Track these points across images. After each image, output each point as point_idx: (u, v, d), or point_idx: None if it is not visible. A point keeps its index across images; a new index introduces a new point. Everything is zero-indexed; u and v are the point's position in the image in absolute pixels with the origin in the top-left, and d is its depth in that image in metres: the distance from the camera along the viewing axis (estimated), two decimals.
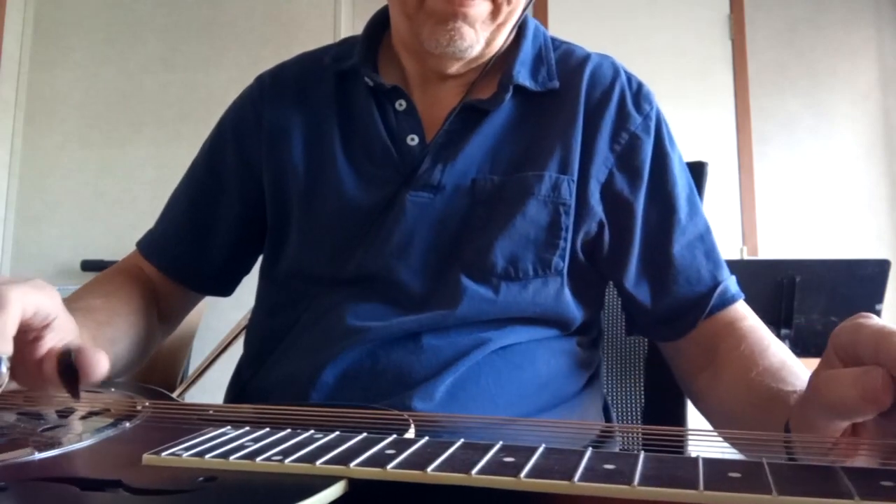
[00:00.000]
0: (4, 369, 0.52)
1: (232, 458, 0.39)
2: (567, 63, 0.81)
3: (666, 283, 0.76)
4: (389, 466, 0.36)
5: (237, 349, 1.43)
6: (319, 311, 0.75)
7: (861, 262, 1.72)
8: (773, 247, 3.03)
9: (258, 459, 0.39)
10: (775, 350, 0.68)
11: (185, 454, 0.40)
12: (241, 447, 0.41)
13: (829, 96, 3.10)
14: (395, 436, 0.43)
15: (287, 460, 0.38)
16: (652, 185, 0.78)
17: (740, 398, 0.66)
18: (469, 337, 0.71)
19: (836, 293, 1.72)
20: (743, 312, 0.76)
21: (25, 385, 0.57)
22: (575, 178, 0.75)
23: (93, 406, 0.60)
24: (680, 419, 0.95)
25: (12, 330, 0.51)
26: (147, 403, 0.58)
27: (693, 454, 0.37)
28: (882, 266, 1.68)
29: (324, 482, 0.36)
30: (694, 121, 3.07)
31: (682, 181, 0.79)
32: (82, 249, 3.01)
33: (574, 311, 0.76)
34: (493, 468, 0.36)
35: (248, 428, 0.46)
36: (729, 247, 3.00)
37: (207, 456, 0.40)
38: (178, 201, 0.90)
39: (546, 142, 0.76)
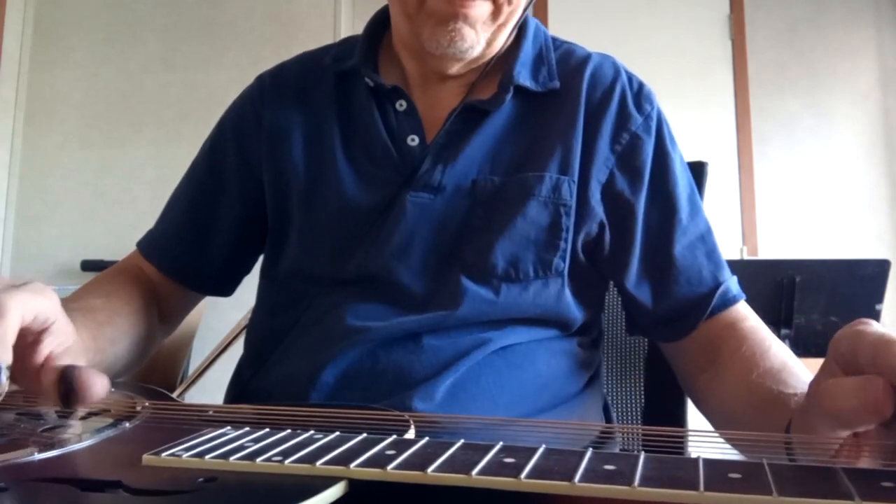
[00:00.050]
0: (4, 378, 0.52)
1: (232, 458, 0.39)
2: (568, 63, 0.81)
3: (667, 284, 0.76)
4: (390, 467, 0.36)
5: (237, 349, 1.43)
6: (320, 311, 0.75)
7: (861, 262, 1.72)
8: (773, 247, 3.03)
9: (258, 460, 0.39)
10: (776, 351, 0.68)
11: (185, 455, 0.40)
12: (241, 448, 0.41)
13: (829, 96, 3.10)
14: (395, 436, 0.43)
15: (287, 461, 0.38)
16: (653, 185, 0.77)
17: (741, 399, 0.66)
18: (469, 337, 0.71)
19: (836, 293, 1.72)
20: (744, 313, 0.76)
21: (23, 387, 0.57)
22: (576, 178, 0.75)
23: (93, 406, 0.60)
24: (680, 419, 0.95)
25: (12, 338, 0.51)
26: (147, 404, 0.58)
27: (693, 455, 0.37)
28: (882, 266, 1.68)
29: (324, 483, 0.36)
30: (694, 121, 3.07)
31: (683, 181, 0.79)
32: (82, 249, 3.01)
33: (575, 311, 0.76)
34: (494, 469, 0.36)
35: (248, 428, 0.46)
36: (729, 247, 3.00)
37: (207, 456, 0.40)
38: (178, 201, 0.90)
39: (547, 142, 0.76)
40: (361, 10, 3.16)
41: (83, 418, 0.56)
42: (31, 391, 0.57)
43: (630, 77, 0.82)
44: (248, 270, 0.93)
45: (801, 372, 0.63)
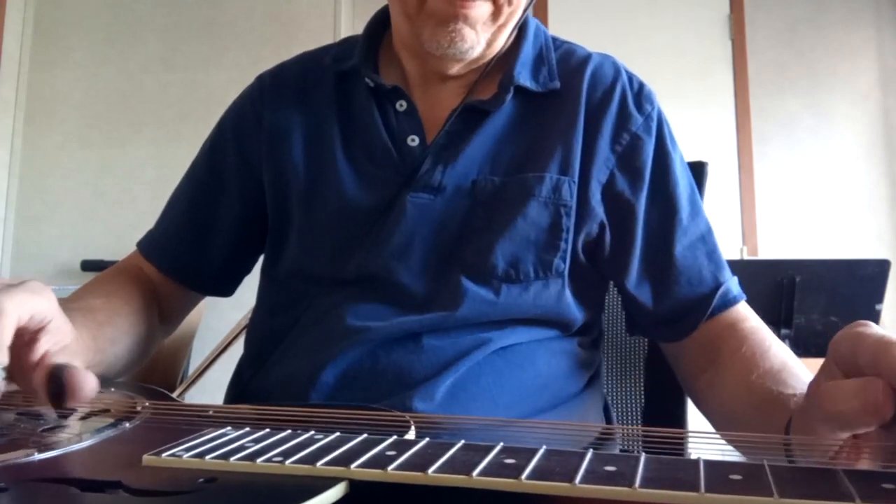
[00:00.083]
0: (1, 379, 0.52)
1: (232, 458, 0.39)
2: (568, 63, 0.81)
3: (667, 285, 0.76)
4: (390, 468, 0.36)
5: (237, 349, 1.43)
6: (320, 311, 0.75)
7: (861, 262, 1.72)
8: (773, 247, 3.03)
9: (259, 460, 0.39)
10: (776, 352, 0.68)
11: (186, 455, 0.40)
12: (242, 448, 0.41)
13: (829, 96, 3.10)
14: (395, 437, 0.43)
15: (288, 461, 0.38)
16: (653, 185, 0.77)
17: (741, 400, 0.66)
18: (470, 337, 0.71)
19: (836, 293, 1.72)
20: (745, 314, 0.76)
21: (20, 387, 0.57)
22: (576, 179, 0.75)
23: (93, 406, 0.60)
24: (680, 419, 0.95)
25: (8, 339, 0.51)
26: (147, 404, 0.58)
27: (693, 456, 0.37)
28: (882, 266, 1.68)
29: (324, 483, 0.36)
30: (694, 121, 3.07)
31: (683, 181, 0.79)
32: (82, 249, 3.01)
33: (575, 312, 0.76)
34: (494, 470, 0.36)
35: (248, 429, 0.46)
36: (729, 247, 3.00)
37: (208, 457, 0.40)
38: (178, 201, 0.90)
39: (547, 143, 0.76)
40: (361, 10, 3.16)
41: (83, 418, 0.56)
42: (27, 390, 0.57)
43: (630, 77, 0.82)
44: (248, 270, 0.93)
45: (801, 372, 0.63)
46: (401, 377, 0.69)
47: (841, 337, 0.45)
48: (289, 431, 0.45)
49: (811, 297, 1.71)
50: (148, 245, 0.89)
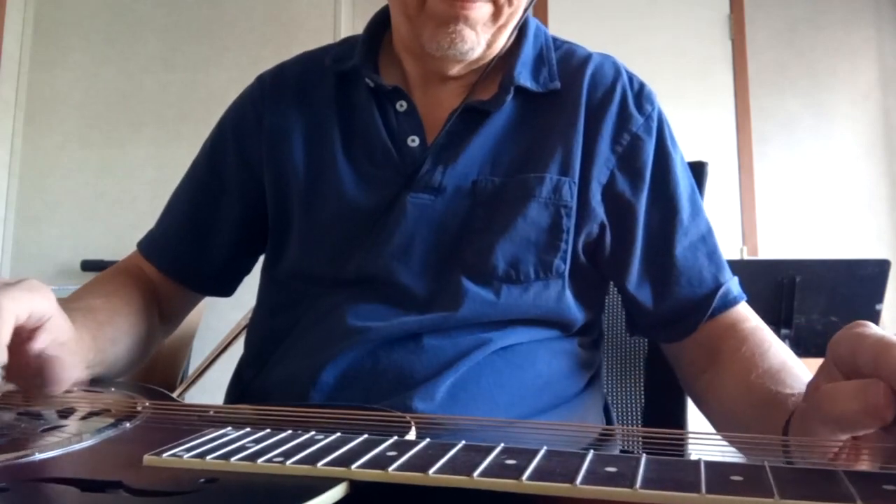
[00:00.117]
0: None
1: (233, 459, 0.39)
2: (568, 63, 0.81)
3: (668, 285, 0.76)
4: (391, 468, 0.36)
5: (237, 349, 1.43)
6: (320, 311, 0.75)
7: (861, 262, 1.72)
8: (773, 247, 3.03)
9: (259, 461, 0.39)
10: (776, 352, 0.68)
11: (186, 455, 0.40)
12: (243, 448, 0.41)
13: (829, 96, 3.10)
14: (396, 437, 0.43)
15: (288, 462, 0.38)
16: (654, 186, 0.77)
17: (741, 400, 0.66)
18: (470, 337, 0.71)
19: (836, 293, 1.72)
20: (745, 314, 0.76)
21: (17, 384, 0.58)
22: (576, 179, 0.75)
23: (93, 406, 0.60)
24: (680, 419, 0.95)
25: (6, 338, 0.51)
26: (147, 404, 0.58)
27: (694, 456, 0.37)
28: (882, 266, 1.68)
29: (325, 484, 0.36)
30: (694, 121, 3.07)
31: (684, 182, 0.79)
32: (82, 249, 3.01)
33: (575, 312, 0.76)
34: (495, 470, 0.36)
35: (249, 429, 0.46)
36: (729, 247, 3.00)
37: (209, 457, 0.40)
38: (178, 201, 0.90)
39: (547, 143, 0.76)
40: (361, 10, 3.16)
41: (83, 418, 0.56)
42: (24, 388, 0.58)
43: (631, 77, 0.82)
44: (248, 270, 0.93)
45: (800, 372, 0.63)
46: (401, 377, 0.69)
47: (840, 338, 0.45)
48: (289, 432, 0.45)
49: (811, 297, 1.71)
50: (148, 245, 0.89)
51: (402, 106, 0.79)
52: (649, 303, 0.77)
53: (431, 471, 0.36)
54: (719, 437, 0.44)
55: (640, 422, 0.98)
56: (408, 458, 0.38)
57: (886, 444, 0.42)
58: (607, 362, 0.99)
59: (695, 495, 0.32)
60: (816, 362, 0.48)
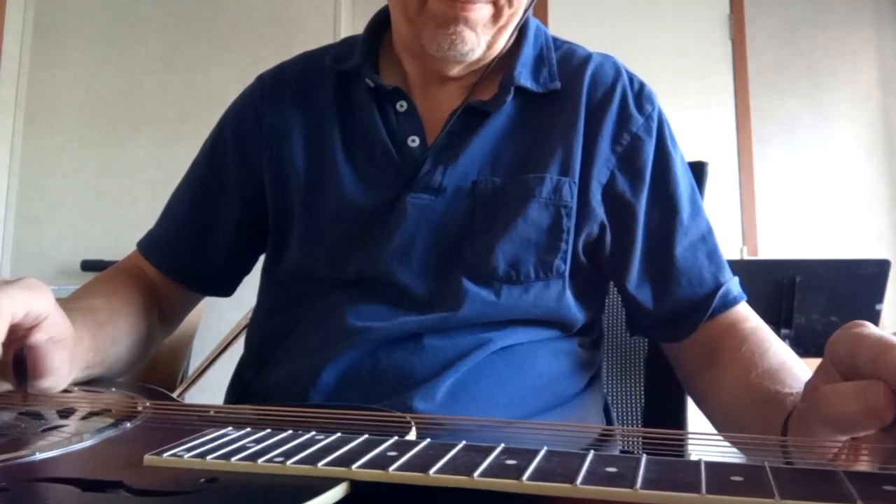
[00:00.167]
0: None
1: (233, 459, 0.39)
2: (569, 63, 0.81)
3: (668, 285, 0.76)
4: (391, 468, 0.36)
5: (237, 349, 1.43)
6: (321, 311, 0.75)
7: (861, 262, 1.72)
8: (773, 247, 3.03)
9: (260, 461, 0.39)
10: (776, 352, 0.68)
11: (187, 455, 0.40)
12: (243, 448, 0.41)
13: (829, 96, 3.10)
14: (396, 437, 0.43)
15: (289, 462, 0.38)
16: (654, 186, 0.77)
17: (740, 399, 0.66)
18: (470, 337, 0.71)
19: (836, 293, 1.72)
20: (745, 314, 0.76)
21: (11, 382, 0.58)
22: (576, 179, 0.75)
23: (93, 406, 0.60)
24: (680, 419, 0.95)
25: (2, 336, 0.51)
26: (148, 404, 0.58)
27: (694, 457, 0.37)
28: (882, 266, 1.68)
29: (325, 484, 0.36)
30: (694, 121, 3.07)
31: (684, 182, 0.79)
32: (82, 249, 3.01)
33: (576, 312, 0.76)
34: (496, 471, 0.36)
35: (249, 429, 0.46)
36: (729, 247, 3.00)
37: (209, 457, 0.40)
38: (178, 201, 0.90)
39: (547, 143, 0.76)
40: (361, 10, 3.16)
41: (84, 418, 0.56)
42: (18, 386, 0.58)
43: (631, 77, 0.82)
44: (248, 271, 0.93)
45: (800, 371, 0.63)
46: (401, 377, 0.69)
47: (838, 338, 0.44)
48: (290, 432, 0.44)
49: (811, 297, 1.71)
50: (148, 245, 0.89)
51: (402, 106, 0.79)
52: (649, 303, 0.77)
53: (432, 471, 0.36)
54: (719, 437, 0.44)
55: (640, 422, 0.98)
56: (408, 459, 0.38)
57: (886, 445, 0.42)
58: (607, 362, 0.99)
59: (695, 495, 0.32)
60: (816, 362, 0.48)
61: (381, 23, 0.85)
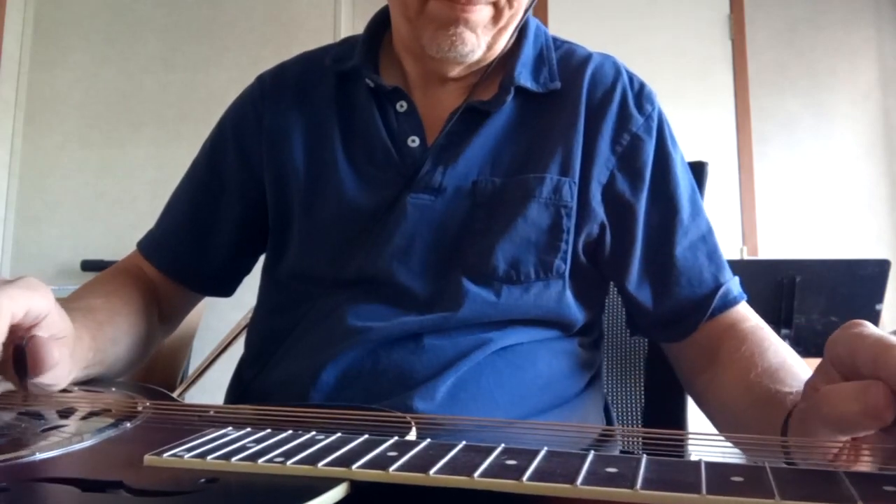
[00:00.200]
0: None
1: (234, 459, 0.39)
2: (569, 63, 0.81)
3: (668, 285, 0.76)
4: (391, 469, 0.36)
5: (237, 349, 1.43)
6: (321, 312, 0.75)
7: (861, 262, 1.72)
8: (773, 247, 3.03)
9: (260, 461, 0.39)
10: (775, 351, 0.68)
11: (187, 455, 0.40)
12: (243, 448, 0.41)
13: (829, 96, 3.10)
14: (396, 438, 0.43)
15: (289, 462, 0.38)
16: (654, 186, 0.77)
17: (740, 399, 0.66)
18: (470, 337, 0.71)
19: (836, 293, 1.72)
20: (745, 314, 0.76)
21: (11, 381, 0.58)
22: (576, 179, 0.75)
23: (94, 406, 0.60)
24: (680, 419, 0.95)
25: (2, 337, 0.51)
26: (148, 403, 0.58)
27: (694, 457, 0.37)
28: (882, 266, 1.68)
29: (326, 484, 0.36)
30: (694, 121, 3.07)
31: (684, 182, 0.79)
32: (82, 249, 3.01)
33: (576, 312, 0.76)
34: (496, 471, 0.36)
35: (249, 429, 0.46)
36: (729, 247, 3.00)
37: (209, 457, 0.40)
38: (178, 201, 0.90)
39: (547, 143, 0.76)
40: (361, 10, 3.16)
41: (84, 418, 0.56)
42: (18, 384, 0.58)
43: (631, 77, 0.82)
44: (248, 271, 0.93)
45: (800, 371, 0.63)
46: (401, 377, 0.69)
47: (837, 338, 0.44)
48: (290, 432, 0.44)
49: (811, 297, 1.71)
50: (148, 245, 0.89)
51: (402, 106, 0.79)
52: (649, 303, 0.77)
53: (432, 471, 0.36)
54: (720, 437, 0.44)
55: (640, 422, 0.98)
56: (408, 459, 0.38)
57: (887, 445, 0.42)
58: (607, 362, 0.99)
59: (695, 496, 0.32)
60: (817, 362, 0.48)
61: (381, 23, 0.85)
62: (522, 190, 0.73)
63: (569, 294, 0.75)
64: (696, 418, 0.84)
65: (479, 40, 0.73)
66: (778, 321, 1.71)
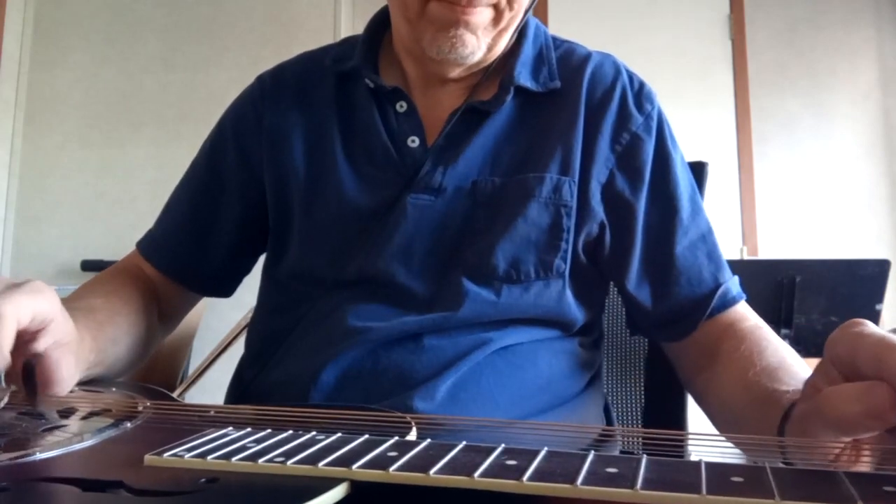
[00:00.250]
0: (2, 382, 0.53)
1: (234, 459, 0.39)
2: (568, 62, 0.81)
3: (667, 285, 0.76)
4: (392, 469, 0.36)
5: (237, 349, 1.43)
6: (321, 312, 0.75)
7: (861, 262, 1.72)
8: (773, 247, 3.03)
9: (260, 461, 0.39)
10: (774, 350, 0.68)
11: (188, 455, 0.40)
12: (244, 448, 0.41)
13: (829, 96, 3.10)
14: (397, 438, 0.43)
15: (289, 462, 0.38)
16: (653, 185, 0.77)
17: (739, 398, 0.66)
18: (470, 337, 0.71)
19: (836, 293, 1.72)
20: (744, 313, 0.76)
21: (18, 387, 0.58)
22: (576, 179, 0.75)
23: (94, 406, 0.60)
24: (680, 419, 0.95)
25: (8, 343, 0.52)
26: (148, 403, 0.58)
27: (694, 457, 0.37)
28: (882, 266, 1.68)
29: (326, 484, 0.36)
30: (694, 121, 3.07)
31: (684, 181, 0.79)
32: (82, 249, 3.01)
33: (576, 312, 0.76)
34: (496, 471, 0.36)
35: (250, 429, 0.46)
36: (729, 247, 3.00)
37: (210, 457, 0.40)
38: (178, 201, 0.90)
39: (547, 143, 0.76)
40: (361, 10, 3.16)
41: (84, 418, 0.56)
42: (25, 391, 0.58)
43: (631, 76, 0.82)
44: (247, 271, 0.93)
45: (799, 369, 0.63)
46: (401, 377, 0.69)
47: (837, 337, 0.44)
48: (290, 432, 0.45)
49: (811, 297, 1.71)
50: (147, 245, 0.89)
51: (401, 106, 0.79)
52: (649, 302, 0.77)
53: (432, 471, 0.36)
54: (720, 437, 0.44)
55: (640, 422, 0.98)
56: (409, 459, 0.38)
57: (888, 446, 0.42)
58: (607, 362, 0.99)
59: (695, 496, 0.32)
60: (817, 362, 0.48)
61: (380, 23, 0.85)
62: (522, 189, 0.73)
63: (569, 294, 0.75)
64: (696, 418, 0.84)
65: (480, 42, 0.73)
66: (778, 321, 1.71)
